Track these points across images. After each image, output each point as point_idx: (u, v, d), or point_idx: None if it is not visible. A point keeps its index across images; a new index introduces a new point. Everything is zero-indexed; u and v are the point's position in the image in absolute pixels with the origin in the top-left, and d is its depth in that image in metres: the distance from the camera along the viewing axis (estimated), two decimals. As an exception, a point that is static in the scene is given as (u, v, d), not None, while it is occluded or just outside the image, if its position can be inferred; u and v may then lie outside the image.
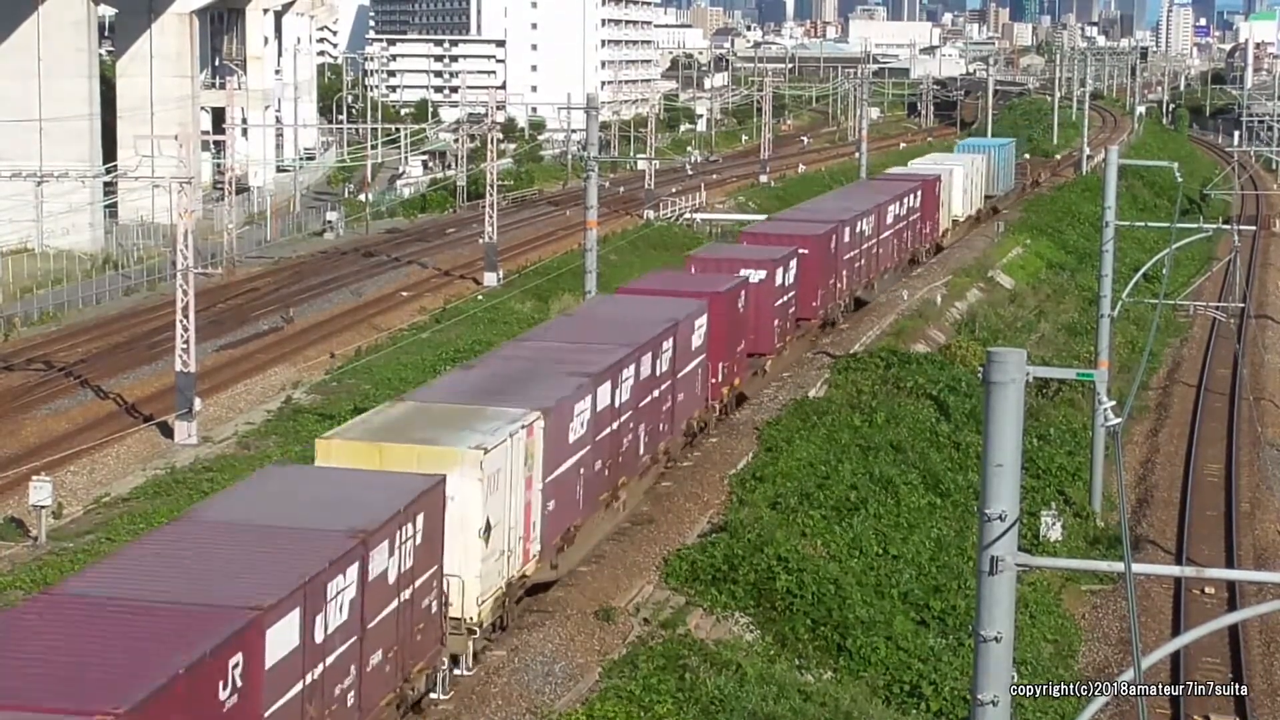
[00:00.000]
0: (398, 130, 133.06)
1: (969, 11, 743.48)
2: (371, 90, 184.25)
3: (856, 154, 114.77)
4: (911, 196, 78.61)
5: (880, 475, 46.20)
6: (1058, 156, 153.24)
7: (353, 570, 23.68)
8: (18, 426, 51.38)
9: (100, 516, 43.14)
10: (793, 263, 56.22)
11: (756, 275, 51.82)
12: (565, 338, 40.55)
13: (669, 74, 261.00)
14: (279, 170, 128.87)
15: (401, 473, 28.24)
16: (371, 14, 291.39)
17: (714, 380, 47.04)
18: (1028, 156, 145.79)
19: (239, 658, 19.84)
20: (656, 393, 41.06)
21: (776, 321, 54.00)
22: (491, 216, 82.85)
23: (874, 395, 54.42)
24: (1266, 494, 54.68)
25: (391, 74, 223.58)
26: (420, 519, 26.50)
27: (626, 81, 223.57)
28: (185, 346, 51.20)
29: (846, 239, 64.45)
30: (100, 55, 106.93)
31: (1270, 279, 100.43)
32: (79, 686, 18.16)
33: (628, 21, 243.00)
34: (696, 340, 44.64)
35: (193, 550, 22.64)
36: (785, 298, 55.33)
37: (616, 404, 37.50)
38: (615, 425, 37.54)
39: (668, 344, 41.80)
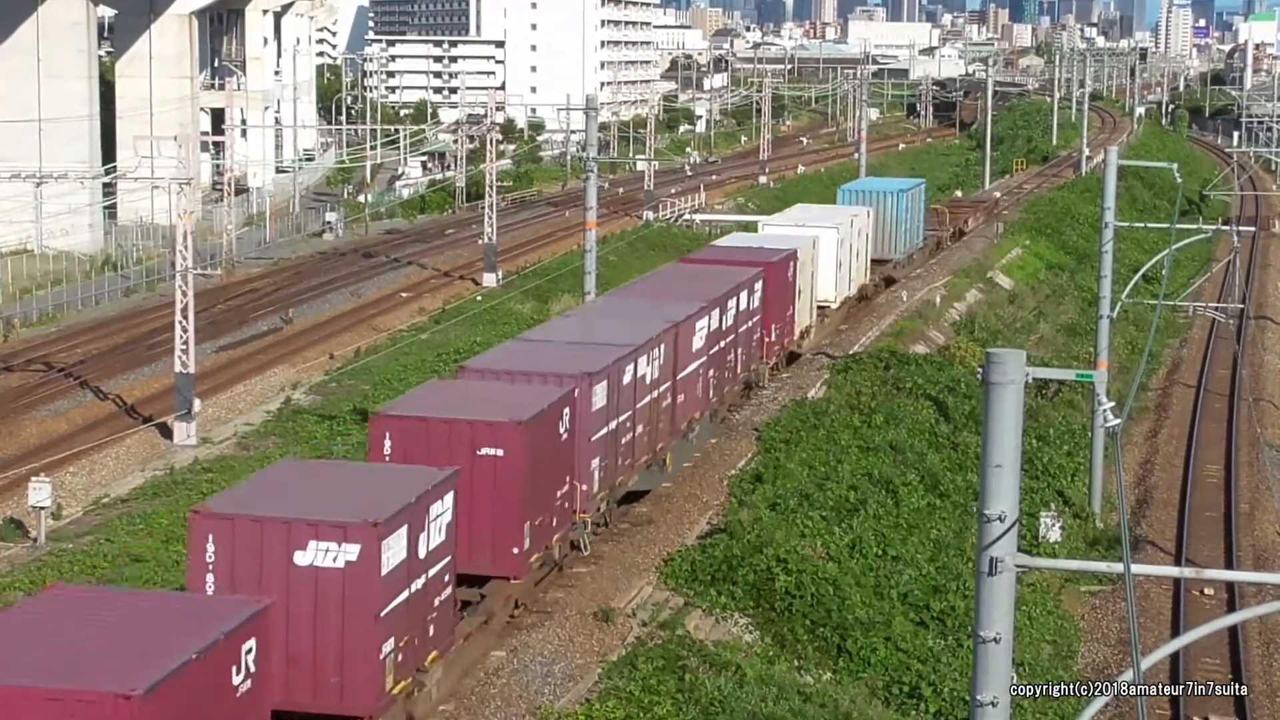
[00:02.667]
0: (397, 131, 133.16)
1: (968, 12, 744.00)
2: (371, 91, 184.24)
3: (856, 155, 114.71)
4: (745, 294, 49.51)
5: (879, 476, 46.18)
6: (997, 194, 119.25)
7: None
8: (17, 427, 51.39)
9: (99, 517, 43.14)
10: (443, 503, 28.02)
11: (336, 554, 25.40)
12: None
13: (668, 75, 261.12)
14: (278, 171, 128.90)
15: None
16: (371, 15, 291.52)
17: None
18: (960, 193, 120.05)
19: None
20: None
21: (393, 641, 26.05)
22: (491, 217, 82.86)
23: (873, 396, 54.40)
24: (1266, 495, 54.67)
25: (391, 75, 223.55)
26: None
27: (626, 82, 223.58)
28: (184, 347, 51.18)
29: (597, 404, 35.55)
30: (100, 56, 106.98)
31: (1269, 280, 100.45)
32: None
33: (627, 22, 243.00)
34: None
35: None
36: (425, 575, 27.24)
37: None
38: None
39: None
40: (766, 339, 53.37)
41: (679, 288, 47.60)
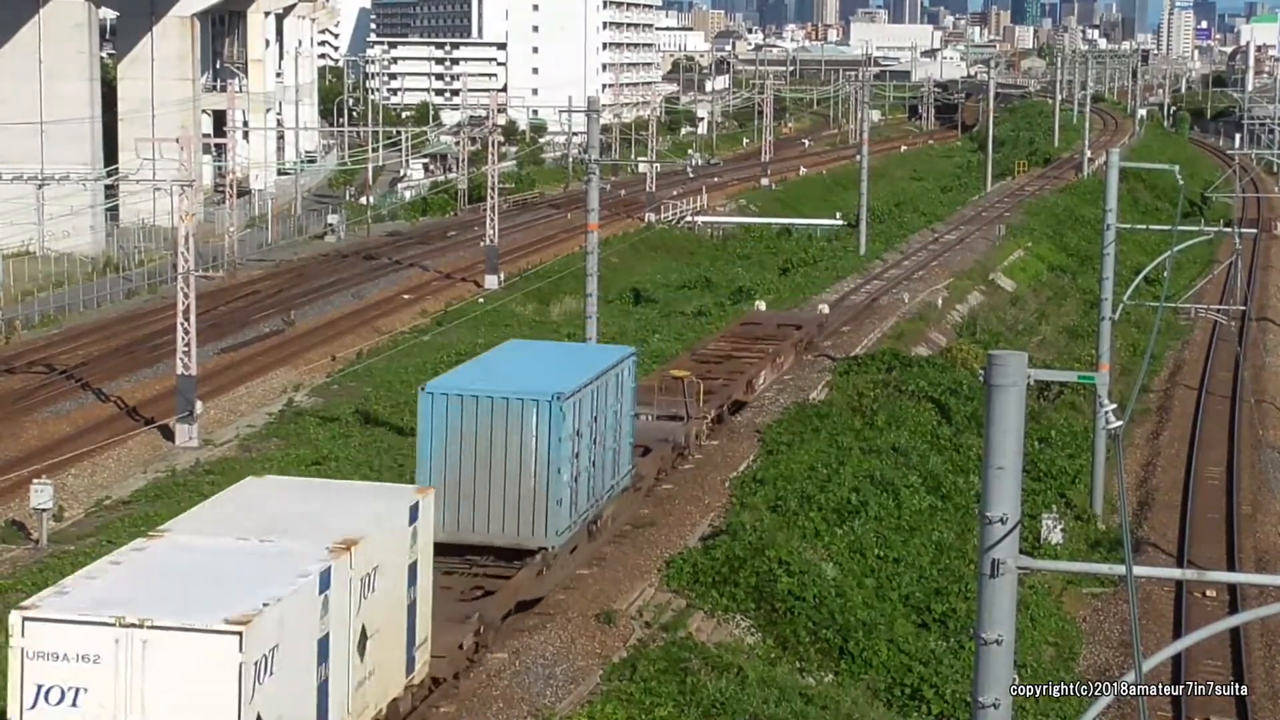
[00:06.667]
0: (399, 133, 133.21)
1: (970, 14, 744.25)
2: (372, 93, 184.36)
3: (857, 157, 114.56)
4: None
5: (881, 478, 46.14)
6: (824, 309, 69.90)
7: None
8: (19, 429, 51.37)
9: (101, 519, 43.14)
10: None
11: None
12: None
13: (670, 77, 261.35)
14: (280, 173, 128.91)
15: None
16: (372, 17, 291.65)
17: None
18: (763, 305, 69.83)
19: None
20: None
21: None
22: (492, 219, 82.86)
23: (875, 398, 54.36)
24: (1267, 496, 54.65)
25: (392, 77, 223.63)
26: None
27: (628, 84, 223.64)
28: (186, 349, 51.18)
29: None
30: (101, 58, 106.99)
31: (1271, 282, 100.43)
32: None
33: (629, 24, 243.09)
34: None
35: None
36: None
37: None
38: None
39: None
40: None
41: None
